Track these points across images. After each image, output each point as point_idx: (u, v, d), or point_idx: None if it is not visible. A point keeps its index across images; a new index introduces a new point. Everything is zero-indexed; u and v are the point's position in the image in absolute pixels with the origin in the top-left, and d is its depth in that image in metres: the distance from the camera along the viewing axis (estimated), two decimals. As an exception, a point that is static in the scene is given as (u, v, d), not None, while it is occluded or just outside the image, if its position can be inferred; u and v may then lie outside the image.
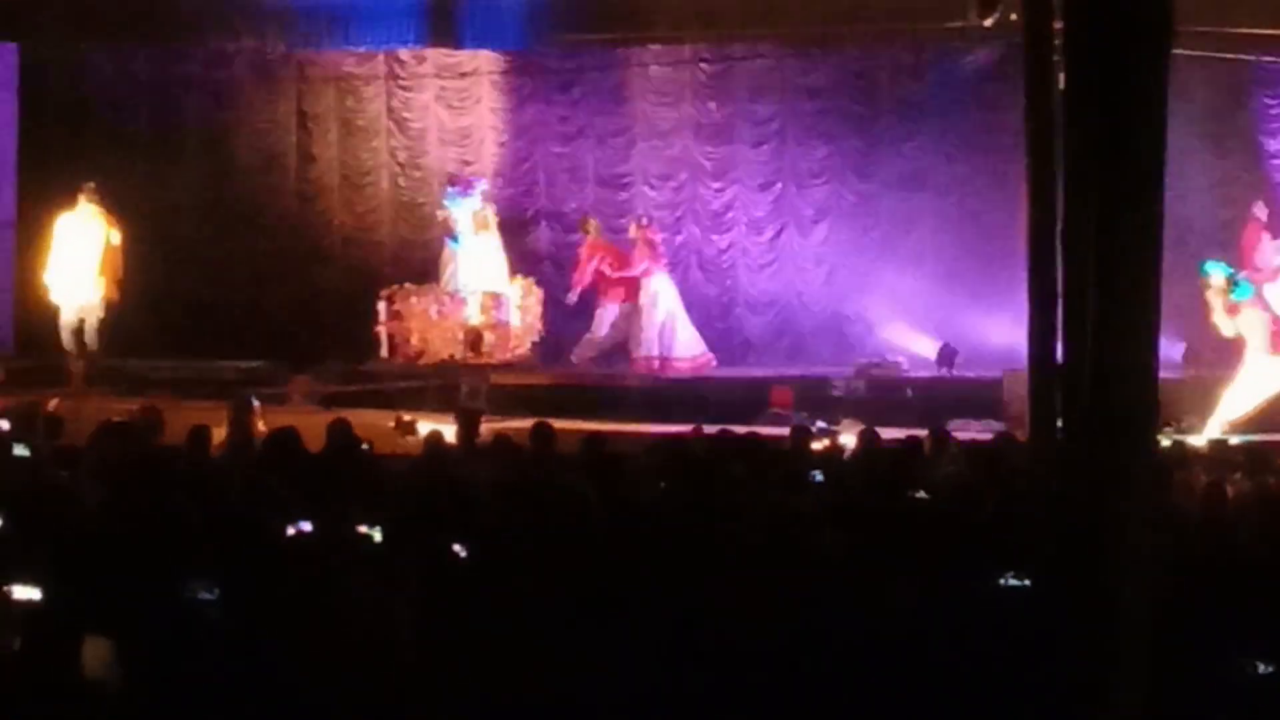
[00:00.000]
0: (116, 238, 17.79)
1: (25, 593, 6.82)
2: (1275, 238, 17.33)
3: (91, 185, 17.72)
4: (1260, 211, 17.58)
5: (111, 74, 19.85)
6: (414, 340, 18.58)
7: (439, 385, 17.04)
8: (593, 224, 18.91)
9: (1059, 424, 6.55)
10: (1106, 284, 3.74)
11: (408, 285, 18.88)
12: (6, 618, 6.40)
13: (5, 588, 6.87)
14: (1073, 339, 4.41)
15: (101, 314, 17.90)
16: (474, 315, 18.55)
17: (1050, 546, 5.74)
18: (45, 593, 6.81)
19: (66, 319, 17.84)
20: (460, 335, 18.42)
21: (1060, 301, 5.63)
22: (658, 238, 18.70)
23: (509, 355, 18.59)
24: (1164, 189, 3.77)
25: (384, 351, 18.60)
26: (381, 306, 18.65)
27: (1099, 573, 3.71)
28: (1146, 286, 3.69)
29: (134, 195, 18.65)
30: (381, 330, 18.63)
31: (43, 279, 17.85)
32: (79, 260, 17.80)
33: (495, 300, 18.69)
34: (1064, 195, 4.77)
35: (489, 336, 18.49)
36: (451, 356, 18.34)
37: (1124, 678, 3.69)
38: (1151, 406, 3.77)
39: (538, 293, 18.84)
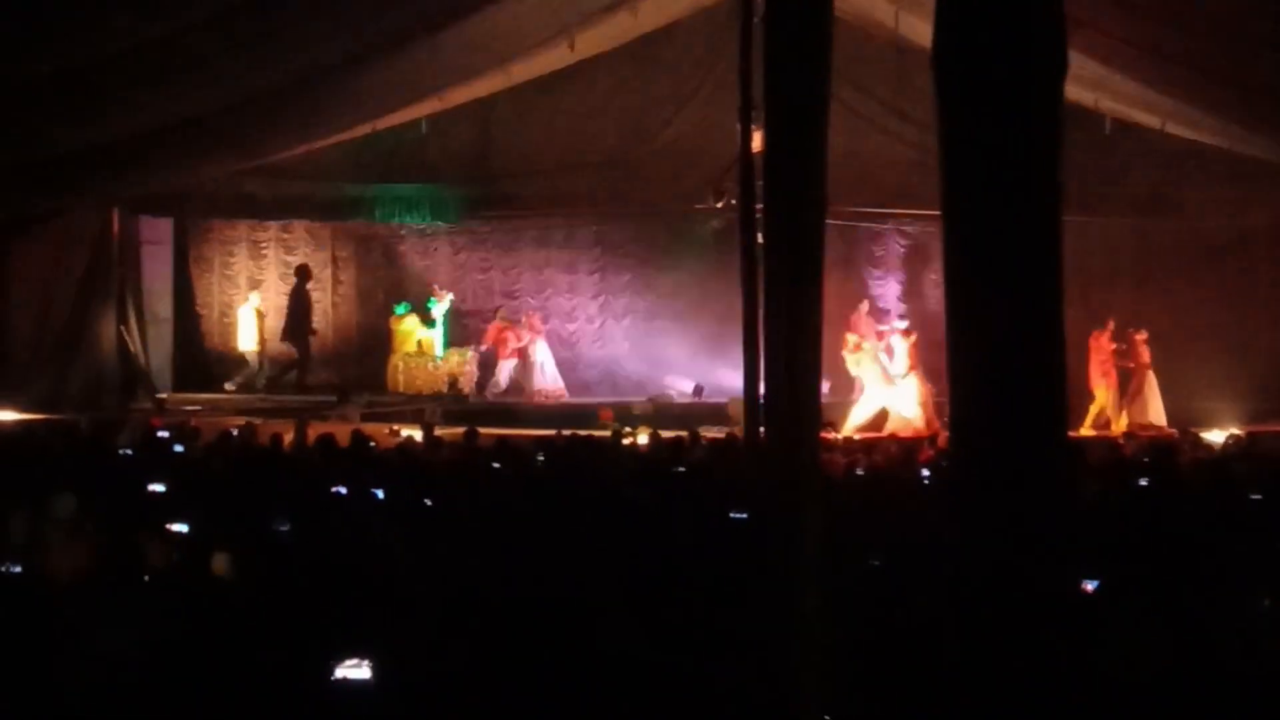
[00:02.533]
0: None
1: (179, 527, 8.55)
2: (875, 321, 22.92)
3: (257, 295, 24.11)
4: (863, 307, 23.19)
5: (225, 235, 25.61)
6: (417, 381, 23.86)
7: (413, 409, 21.80)
8: (500, 313, 24.44)
9: (761, 427, 6.78)
10: (789, 348, 4.27)
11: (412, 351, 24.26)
12: (168, 543, 7.90)
13: (167, 525, 8.45)
14: (770, 378, 4.53)
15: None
16: (451, 367, 23.82)
17: (758, 496, 6.39)
18: (190, 527, 8.43)
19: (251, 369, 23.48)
20: (445, 378, 23.59)
21: (761, 356, 5.85)
22: (538, 323, 24.08)
23: (465, 391, 23.58)
24: (822, 299, 4.31)
25: (400, 387, 23.82)
26: (400, 363, 24.11)
27: (787, 510, 4.28)
28: (811, 348, 4.24)
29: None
30: (400, 376, 24.07)
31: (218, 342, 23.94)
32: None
33: (460, 359, 23.91)
34: (764, 296, 5.07)
35: (461, 380, 23.67)
36: (425, 391, 23.43)
37: (807, 572, 4.22)
38: (816, 416, 4.34)
39: (473, 356, 24.09)
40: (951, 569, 3.46)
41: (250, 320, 24.04)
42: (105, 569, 7.07)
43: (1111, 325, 22.17)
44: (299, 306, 24.20)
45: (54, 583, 7.10)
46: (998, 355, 3.36)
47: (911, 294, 24.82)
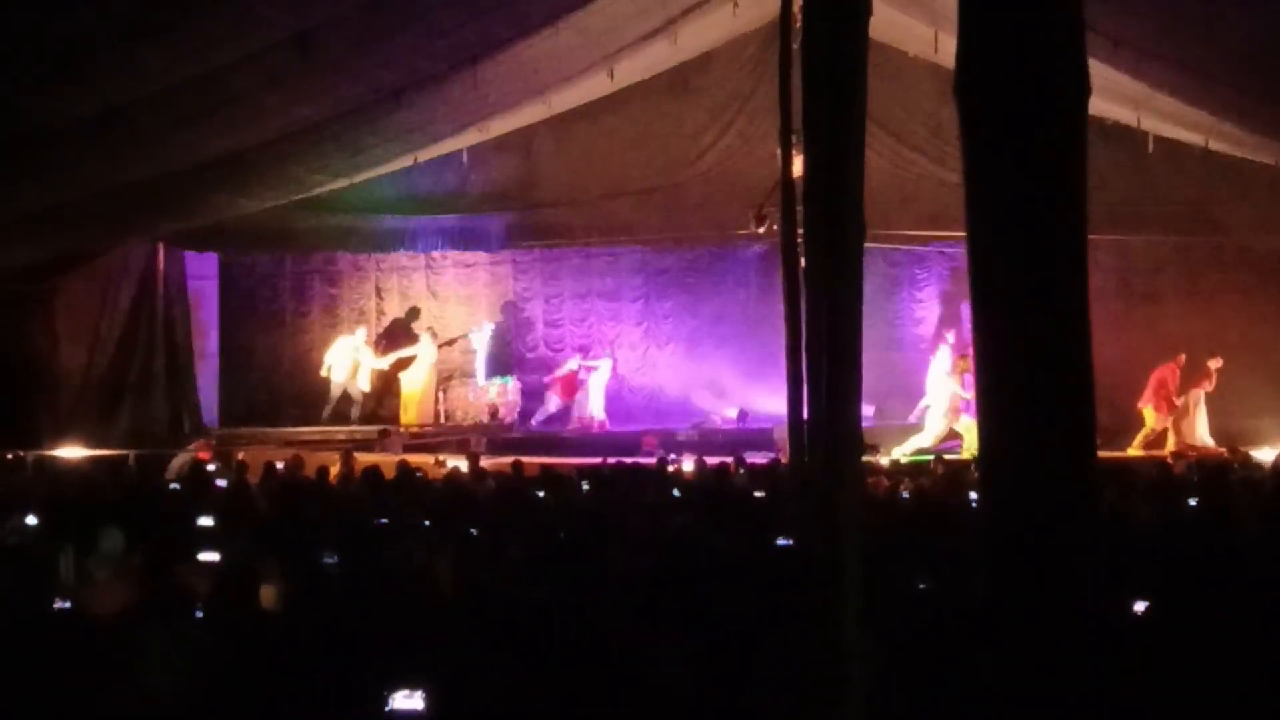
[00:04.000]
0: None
1: (209, 557, 8.78)
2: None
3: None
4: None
5: (270, 269, 26.17)
6: (458, 413, 24.38)
7: (459, 439, 22.24)
8: (577, 360, 24.71)
9: (804, 452, 6.46)
10: (831, 373, 4.25)
11: (453, 379, 24.86)
12: (204, 574, 7.85)
13: (198, 556, 8.69)
14: (812, 403, 4.53)
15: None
16: (492, 396, 24.44)
17: (802, 523, 5.95)
18: (234, 559, 8.38)
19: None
20: (486, 408, 24.24)
21: (804, 382, 5.69)
22: (585, 367, 24.56)
23: (507, 420, 24.10)
24: (861, 325, 4.22)
25: (442, 419, 24.30)
26: (440, 394, 24.58)
27: (830, 537, 4.17)
28: (853, 374, 4.21)
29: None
30: (441, 408, 24.57)
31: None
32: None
33: (502, 388, 24.39)
34: (805, 322, 5.03)
35: (502, 409, 24.23)
36: (475, 422, 23.88)
37: (847, 600, 4.07)
38: (857, 442, 4.32)
39: (516, 385, 24.63)
40: (988, 594, 3.45)
41: (346, 354, 24.26)
42: (152, 604, 6.97)
43: (1183, 359, 22.01)
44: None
45: (102, 619, 6.97)
46: (1024, 379, 3.35)
47: (955, 317, 24.53)
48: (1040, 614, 3.27)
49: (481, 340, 25.22)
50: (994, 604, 3.41)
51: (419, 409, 23.93)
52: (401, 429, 22.85)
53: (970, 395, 20.19)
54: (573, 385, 24.39)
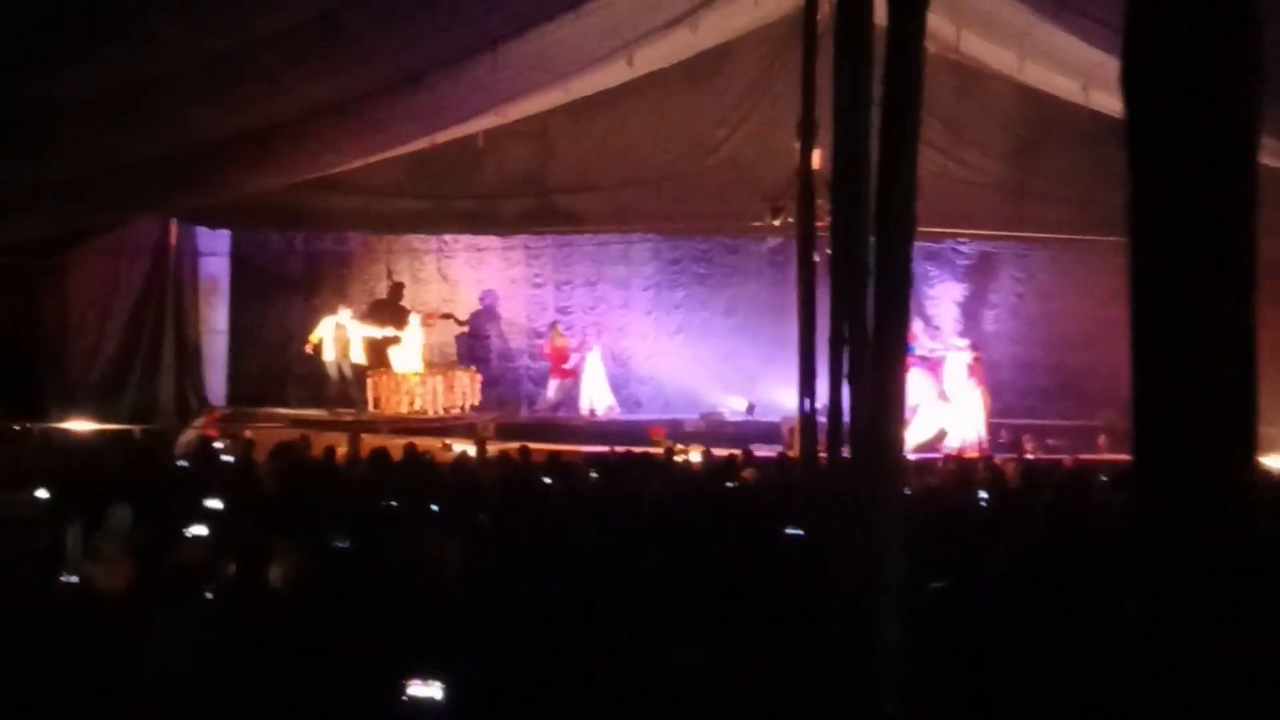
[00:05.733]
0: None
1: (197, 531, 8.77)
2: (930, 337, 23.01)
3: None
4: (916, 325, 22.56)
5: (282, 247, 26.24)
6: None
7: (467, 424, 22.12)
8: (556, 328, 24.94)
9: (817, 447, 7.71)
10: (877, 366, 4.28)
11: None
12: (194, 548, 8.16)
13: (184, 531, 8.71)
14: (854, 396, 4.76)
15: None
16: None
17: (814, 512, 7.24)
18: (223, 534, 8.52)
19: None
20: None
21: (817, 375, 6.78)
22: (590, 340, 24.73)
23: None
24: (908, 322, 4.25)
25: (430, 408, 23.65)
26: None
27: (871, 534, 4.22)
28: (900, 367, 4.27)
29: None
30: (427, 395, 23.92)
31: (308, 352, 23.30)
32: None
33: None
34: (830, 317, 5.34)
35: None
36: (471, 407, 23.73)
37: (886, 599, 4.16)
38: (900, 438, 4.38)
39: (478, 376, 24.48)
40: (1131, 605, 3.27)
41: (331, 333, 23.87)
42: (158, 581, 7.06)
43: None
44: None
45: (109, 595, 7.09)
46: (1186, 378, 3.21)
47: (967, 314, 24.89)
48: (1204, 624, 3.09)
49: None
50: (1146, 613, 3.22)
51: (407, 394, 23.77)
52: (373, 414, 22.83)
53: (978, 394, 20.85)
54: (563, 358, 24.50)
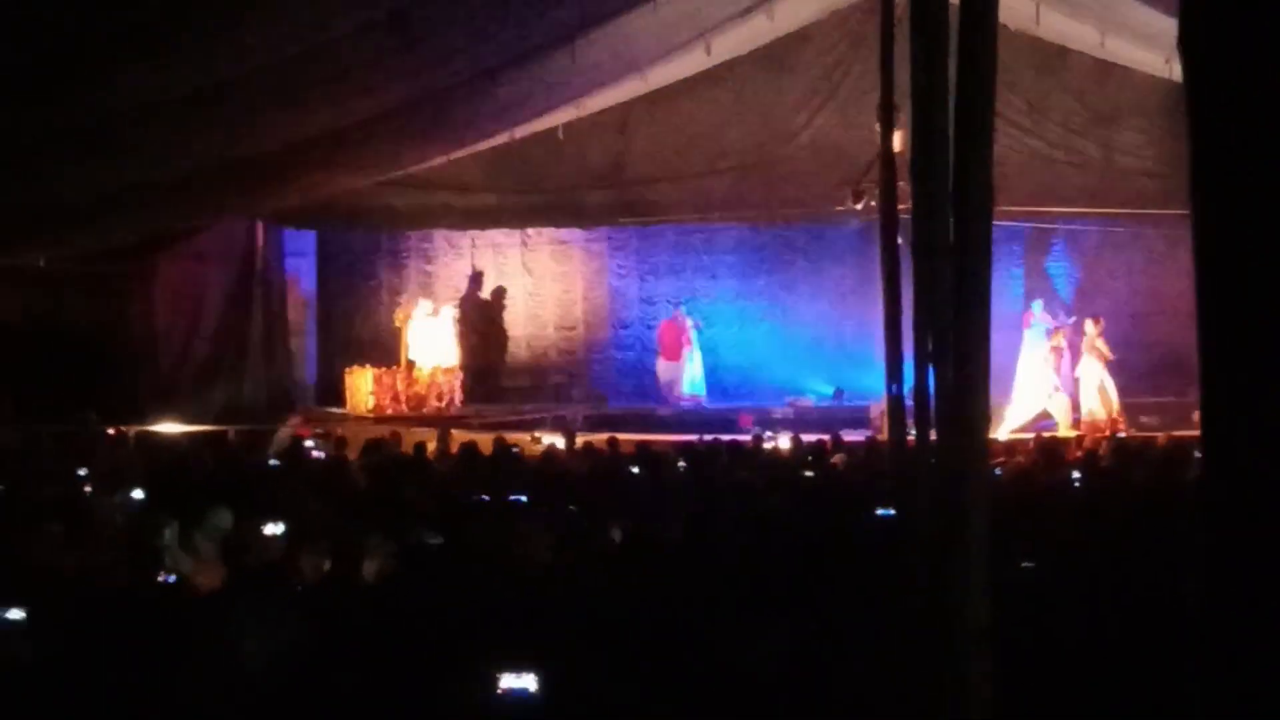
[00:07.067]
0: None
1: (273, 529, 8.74)
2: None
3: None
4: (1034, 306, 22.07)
5: (367, 246, 26.64)
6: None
7: (556, 416, 22.19)
8: (681, 310, 24.91)
9: (906, 431, 7.31)
10: (960, 345, 4.07)
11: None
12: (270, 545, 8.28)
13: (261, 528, 8.71)
14: (938, 376, 4.65)
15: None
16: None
17: (903, 494, 6.94)
18: (305, 531, 8.54)
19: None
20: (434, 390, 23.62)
21: (904, 358, 6.78)
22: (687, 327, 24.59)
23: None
24: (989, 298, 4.01)
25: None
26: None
27: (959, 518, 4.05)
28: (984, 346, 4.04)
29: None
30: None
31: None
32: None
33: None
34: (914, 296, 5.20)
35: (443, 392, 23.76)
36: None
37: (975, 584, 4.02)
38: (987, 417, 4.15)
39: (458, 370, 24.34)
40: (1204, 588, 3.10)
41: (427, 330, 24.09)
42: (252, 578, 7.12)
43: None
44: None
45: (205, 592, 7.14)
46: (1260, 358, 3.02)
47: (1041, 291, 24.12)
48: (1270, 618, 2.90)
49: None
50: (1214, 601, 3.05)
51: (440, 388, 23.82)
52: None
53: (1057, 378, 20.68)
54: (676, 340, 24.56)
